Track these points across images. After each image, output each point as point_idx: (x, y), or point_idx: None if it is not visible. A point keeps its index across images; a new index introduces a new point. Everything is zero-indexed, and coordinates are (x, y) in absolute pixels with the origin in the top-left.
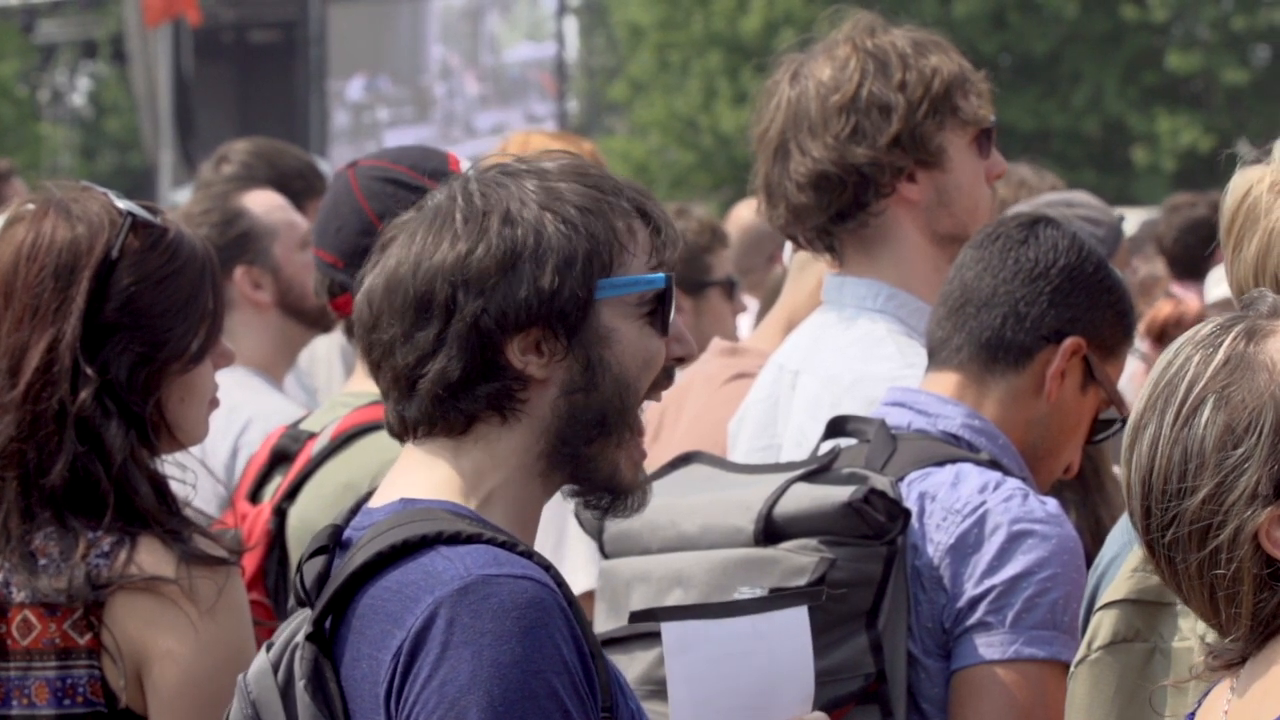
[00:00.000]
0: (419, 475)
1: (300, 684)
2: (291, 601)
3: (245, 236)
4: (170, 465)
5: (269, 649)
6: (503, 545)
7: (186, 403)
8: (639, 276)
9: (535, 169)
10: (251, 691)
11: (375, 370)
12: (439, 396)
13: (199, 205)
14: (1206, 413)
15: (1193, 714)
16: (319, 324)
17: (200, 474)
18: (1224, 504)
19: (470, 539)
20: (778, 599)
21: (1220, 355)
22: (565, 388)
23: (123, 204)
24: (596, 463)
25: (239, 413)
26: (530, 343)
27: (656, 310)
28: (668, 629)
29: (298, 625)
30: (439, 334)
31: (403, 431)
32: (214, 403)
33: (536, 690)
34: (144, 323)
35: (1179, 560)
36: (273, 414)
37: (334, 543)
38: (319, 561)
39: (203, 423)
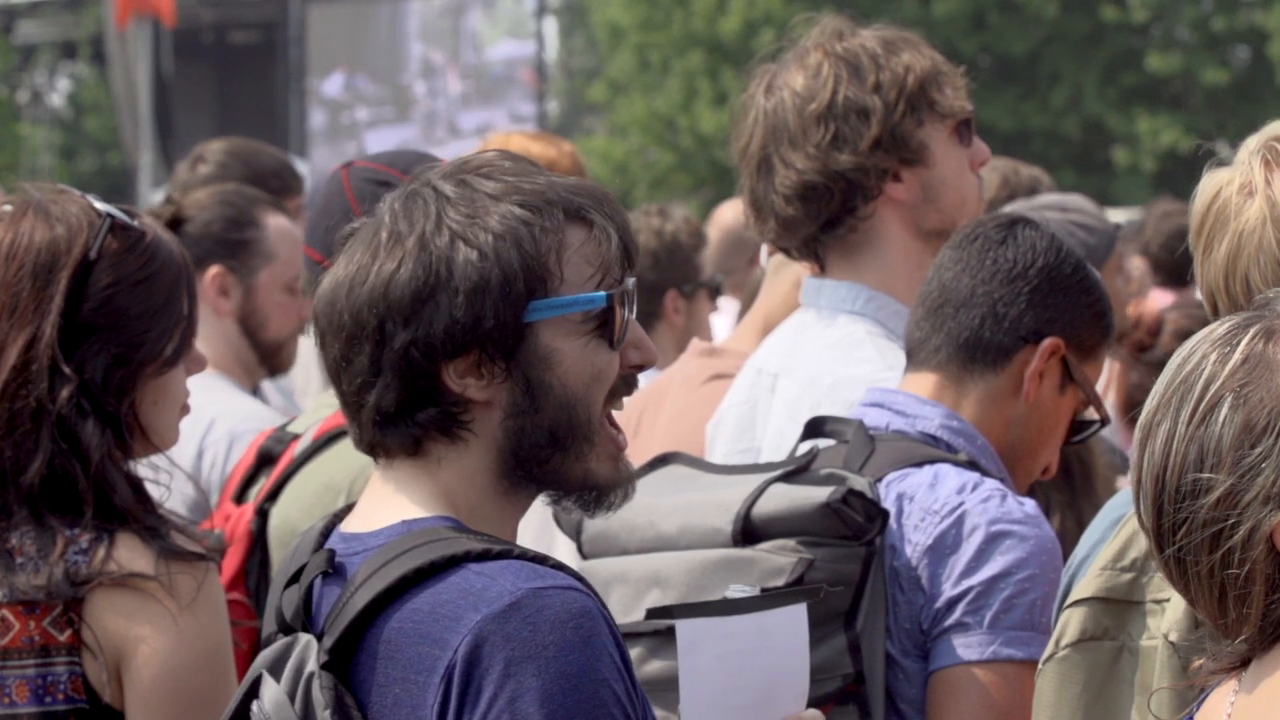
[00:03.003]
0: (405, 497)
1: (326, 713)
2: (272, 627)
3: (242, 244)
4: (143, 467)
5: (275, 676)
6: (532, 559)
7: (160, 405)
8: (575, 297)
9: (465, 185)
10: None
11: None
12: (379, 423)
13: (217, 195)
14: (1224, 411)
15: (1191, 715)
16: (269, 361)
17: (171, 476)
18: (1239, 503)
19: (500, 555)
20: (778, 596)
21: (1238, 354)
22: (509, 409)
23: (101, 206)
24: (561, 474)
25: (202, 414)
26: (468, 366)
27: (605, 324)
28: (682, 626)
29: (302, 652)
30: (372, 361)
31: (365, 450)
32: (185, 409)
33: (605, 699)
34: (121, 324)
35: (1189, 559)
36: (235, 414)
37: (329, 568)
38: (296, 589)
39: (174, 427)
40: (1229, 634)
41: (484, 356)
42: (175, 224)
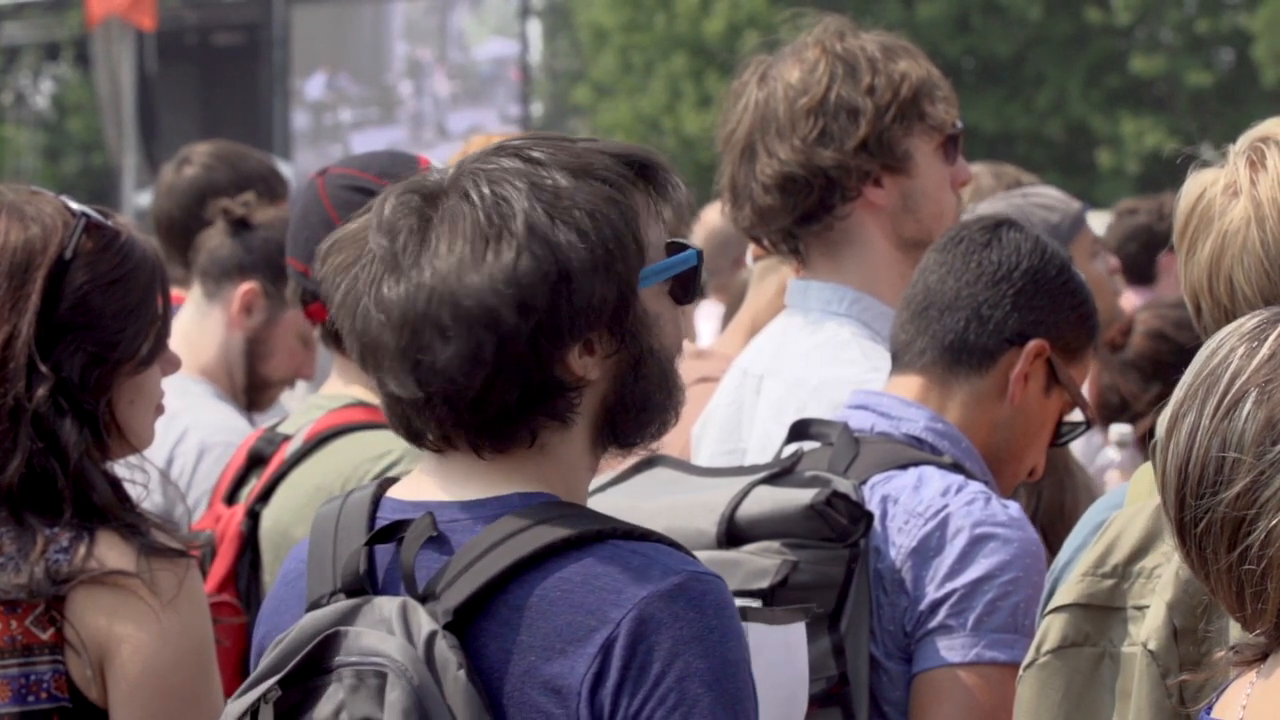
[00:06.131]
0: (497, 479)
1: (461, 673)
2: (329, 587)
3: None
4: (119, 467)
5: (389, 633)
6: (670, 544)
7: (136, 405)
8: (673, 259)
9: (535, 166)
10: (413, 678)
11: (389, 374)
12: (499, 418)
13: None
14: (1248, 406)
15: (1210, 706)
16: (252, 393)
17: (148, 476)
18: (1258, 500)
19: (644, 535)
20: (796, 610)
21: (1265, 350)
22: (614, 382)
23: (76, 206)
24: (644, 435)
25: (176, 422)
26: (585, 346)
27: (678, 282)
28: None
29: (402, 612)
30: (495, 354)
31: (448, 447)
32: (159, 409)
33: (750, 689)
34: (97, 323)
35: (1209, 552)
36: (209, 424)
37: (431, 532)
38: (362, 551)
39: (150, 427)
40: (1248, 627)
41: (603, 334)
42: (241, 224)
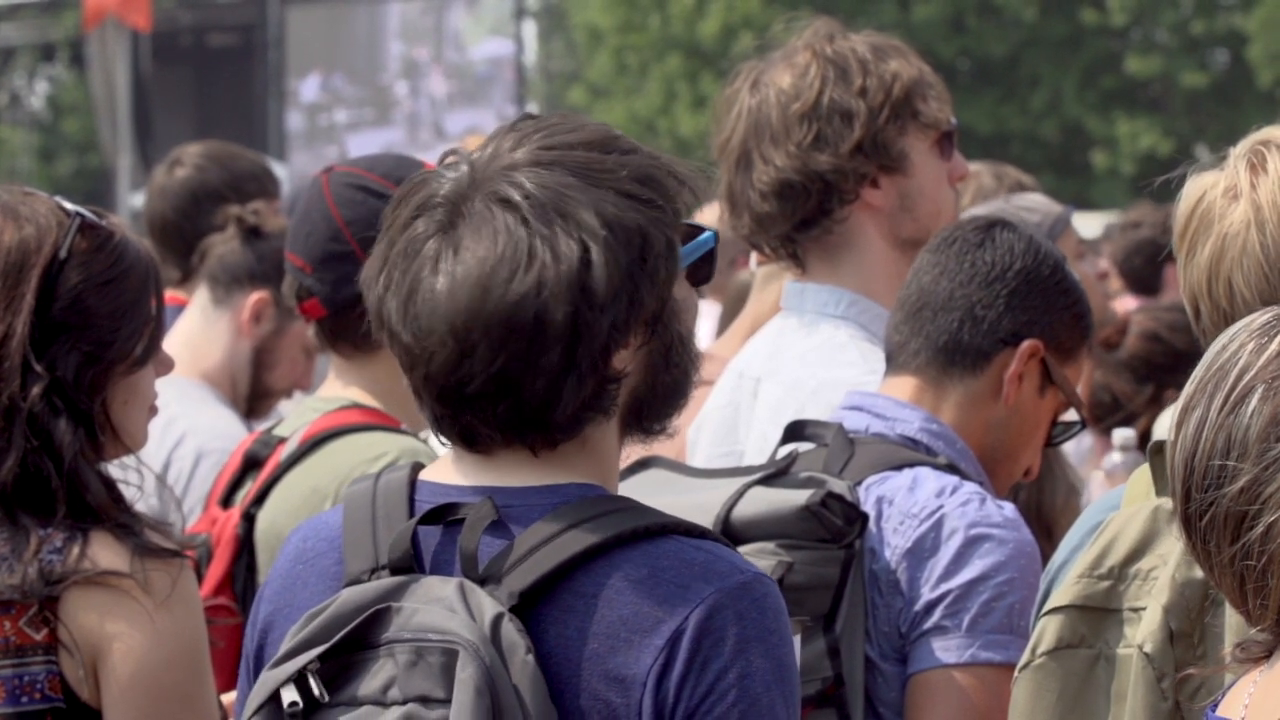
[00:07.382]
0: (546, 470)
1: (530, 657)
2: (367, 564)
3: None
4: (113, 468)
5: (450, 612)
6: (726, 545)
7: (130, 405)
8: (698, 241)
9: (566, 150)
10: (486, 659)
11: (472, 400)
12: (572, 418)
13: None
14: (1254, 402)
15: (1215, 705)
16: (252, 401)
17: (142, 477)
18: (1260, 495)
19: (704, 534)
20: (794, 622)
21: (1274, 346)
22: (648, 372)
23: (70, 206)
24: (668, 419)
25: (174, 427)
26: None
27: (695, 265)
28: None
29: (460, 593)
30: (566, 357)
31: (504, 447)
32: (153, 410)
33: (798, 694)
34: (91, 322)
35: (1212, 545)
36: (207, 430)
37: (493, 517)
38: (408, 531)
39: (144, 427)
40: (1251, 622)
41: (639, 326)
42: (253, 233)
